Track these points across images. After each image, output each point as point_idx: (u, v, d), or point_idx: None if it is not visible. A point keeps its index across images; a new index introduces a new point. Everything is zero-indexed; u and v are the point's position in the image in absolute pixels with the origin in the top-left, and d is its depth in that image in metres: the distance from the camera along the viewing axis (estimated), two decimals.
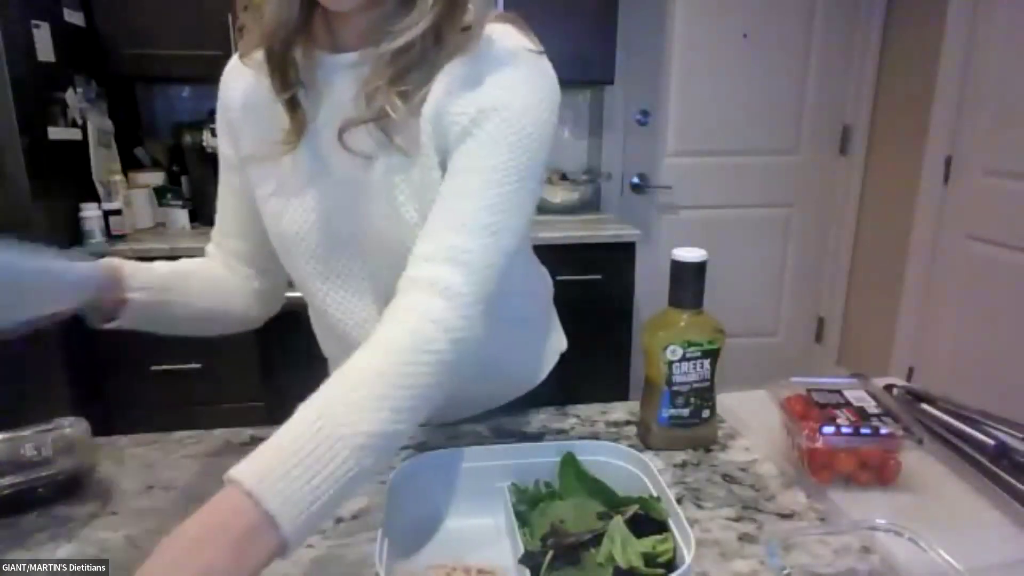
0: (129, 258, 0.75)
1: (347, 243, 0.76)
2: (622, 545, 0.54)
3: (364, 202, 0.72)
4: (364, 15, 0.67)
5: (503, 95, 0.66)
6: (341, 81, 0.71)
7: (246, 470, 0.49)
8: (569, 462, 0.67)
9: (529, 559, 0.55)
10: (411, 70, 0.66)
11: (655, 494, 0.61)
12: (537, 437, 0.84)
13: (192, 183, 2.42)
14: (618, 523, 0.56)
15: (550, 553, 0.55)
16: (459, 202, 0.65)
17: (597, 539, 0.56)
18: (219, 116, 0.82)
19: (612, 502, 0.62)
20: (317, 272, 0.79)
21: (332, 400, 0.54)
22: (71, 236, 2.07)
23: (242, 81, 0.78)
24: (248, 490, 0.47)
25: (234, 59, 0.79)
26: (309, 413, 0.53)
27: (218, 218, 0.87)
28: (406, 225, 0.70)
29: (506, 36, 0.69)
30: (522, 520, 0.61)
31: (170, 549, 0.46)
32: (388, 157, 0.69)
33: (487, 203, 0.64)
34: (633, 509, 0.59)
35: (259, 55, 0.71)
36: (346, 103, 0.69)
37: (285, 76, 0.71)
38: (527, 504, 0.64)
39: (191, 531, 0.47)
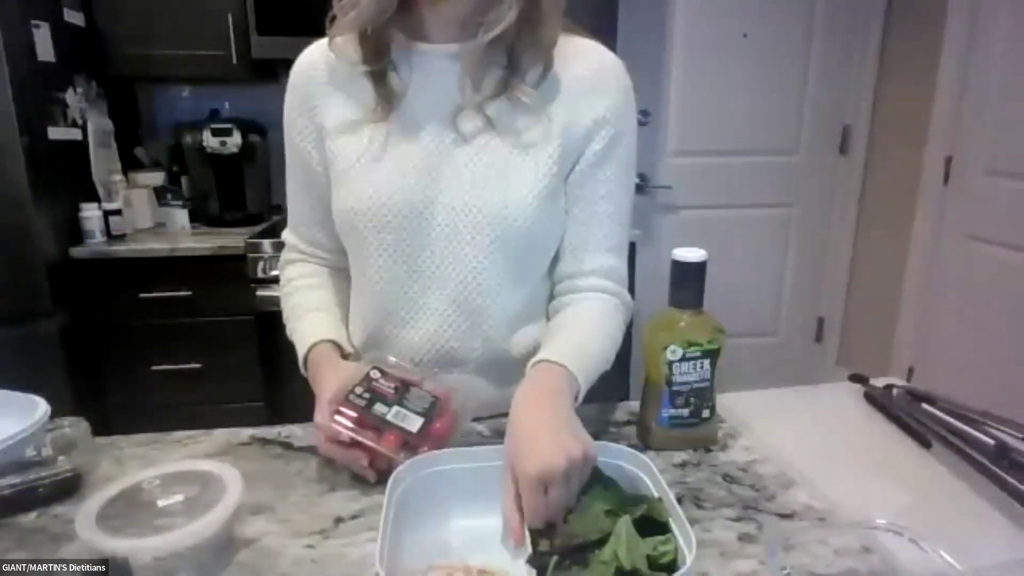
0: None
1: (417, 219, 0.79)
2: (628, 546, 0.54)
3: (441, 179, 0.79)
4: (456, 6, 0.75)
5: (628, 114, 0.85)
6: (438, 70, 0.79)
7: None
8: None
9: (536, 560, 0.54)
10: (517, 62, 0.78)
11: (656, 494, 0.61)
12: None
13: (192, 183, 2.42)
14: (626, 523, 0.56)
15: (555, 557, 0.55)
16: (614, 228, 0.85)
17: (604, 539, 0.56)
18: (294, 108, 0.85)
19: (620, 502, 0.62)
20: (383, 246, 0.81)
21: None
22: (71, 236, 2.07)
23: (324, 65, 0.83)
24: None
25: (308, 50, 0.85)
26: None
27: (295, 212, 0.93)
28: (476, 202, 0.78)
29: (600, 48, 0.84)
30: None
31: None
32: (479, 138, 0.79)
33: (626, 222, 0.87)
34: (641, 509, 0.58)
35: (340, 40, 0.79)
36: (446, 89, 0.78)
37: (378, 53, 0.78)
38: None
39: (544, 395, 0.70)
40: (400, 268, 0.82)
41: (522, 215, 0.78)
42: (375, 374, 0.75)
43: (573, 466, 0.60)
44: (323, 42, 0.83)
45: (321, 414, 0.72)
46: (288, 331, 0.91)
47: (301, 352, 0.86)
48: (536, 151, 0.79)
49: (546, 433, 0.64)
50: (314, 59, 0.84)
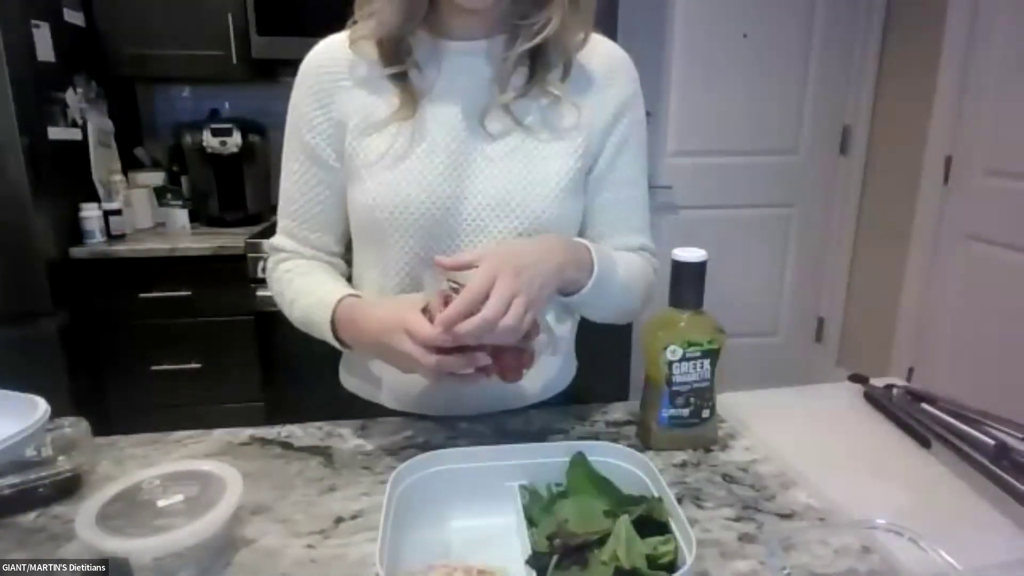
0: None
1: (444, 215, 0.79)
2: (627, 545, 0.54)
3: (468, 176, 0.79)
4: (491, 11, 0.75)
5: (639, 102, 0.86)
6: (465, 67, 0.80)
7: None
8: (580, 462, 0.67)
9: (536, 560, 0.55)
10: (545, 60, 0.79)
11: (656, 494, 0.61)
12: (537, 437, 0.84)
13: (192, 183, 2.42)
14: (624, 523, 0.56)
15: (555, 556, 0.55)
16: (638, 210, 0.89)
17: (603, 539, 0.56)
18: (304, 103, 0.83)
19: (619, 502, 0.62)
20: (407, 245, 0.80)
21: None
22: (71, 236, 2.07)
23: (342, 60, 0.81)
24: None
25: (323, 45, 0.83)
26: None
27: (298, 214, 0.86)
28: (505, 197, 0.79)
29: (606, 40, 0.86)
30: (531, 521, 0.61)
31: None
32: (506, 135, 0.80)
33: (647, 201, 0.90)
34: (640, 509, 0.59)
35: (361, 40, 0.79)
36: (474, 87, 0.79)
37: (397, 56, 0.78)
38: (537, 505, 0.64)
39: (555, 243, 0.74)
40: (424, 266, 0.80)
41: (548, 209, 0.80)
42: (447, 287, 0.67)
43: (519, 282, 0.65)
44: (338, 37, 0.82)
45: (417, 324, 0.65)
46: (299, 312, 0.83)
47: (326, 314, 0.78)
48: (562, 145, 0.81)
49: (524, 252, 0.70)
50: (330, 54, 0.82)
